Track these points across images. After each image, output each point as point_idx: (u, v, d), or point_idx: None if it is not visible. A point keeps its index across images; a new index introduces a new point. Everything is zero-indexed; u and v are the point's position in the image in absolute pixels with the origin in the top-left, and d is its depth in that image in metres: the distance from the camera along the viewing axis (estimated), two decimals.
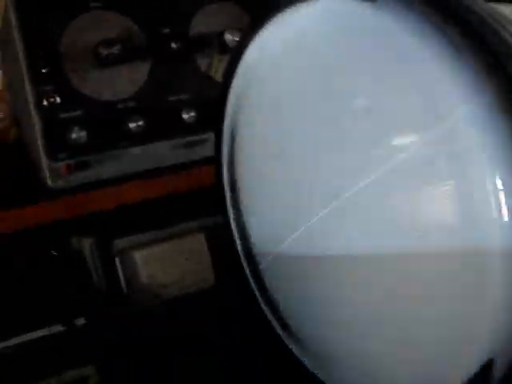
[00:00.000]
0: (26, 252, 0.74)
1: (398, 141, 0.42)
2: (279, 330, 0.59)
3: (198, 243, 0.78)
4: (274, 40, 0.49)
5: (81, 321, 0.75)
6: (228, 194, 0.60)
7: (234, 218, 0.61)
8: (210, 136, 0.75)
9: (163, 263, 0.76)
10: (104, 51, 0.71)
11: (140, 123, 0.71)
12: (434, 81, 0.38)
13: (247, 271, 0.62)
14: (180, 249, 0.77)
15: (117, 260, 0.75)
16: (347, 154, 0.44)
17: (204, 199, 0.76)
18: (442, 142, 0.38)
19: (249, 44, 0.51)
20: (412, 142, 0.40)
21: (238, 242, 0.62)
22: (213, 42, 0.80)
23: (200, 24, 0.79)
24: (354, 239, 0.44)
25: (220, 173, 0.60)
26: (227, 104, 0.56)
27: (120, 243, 0.75)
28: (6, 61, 0.85)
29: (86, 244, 0.75)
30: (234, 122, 0.56)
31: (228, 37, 0.79)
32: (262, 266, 0.58)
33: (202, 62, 0.78)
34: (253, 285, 0.61)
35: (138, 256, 0.75)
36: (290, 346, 0.58)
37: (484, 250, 0.36)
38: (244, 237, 0.60)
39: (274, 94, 0.50)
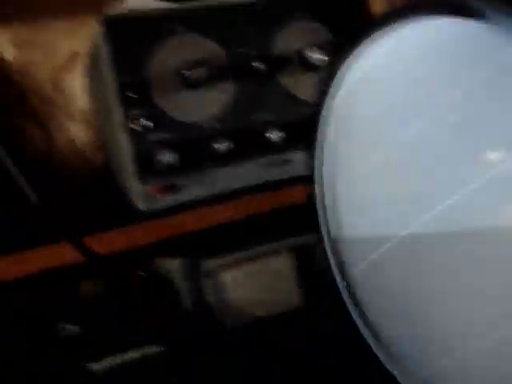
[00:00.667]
0: (116, 274, 0.75)
1: (493, 155, 0.41)
2: (374, 346, 0.58)
3: (284, 263, 0.78)
4: (373, 57, 0.49)
5: (168, 342, 0.76)
6: (322, 211, 0.60)
7: (327, 234, 0.60)
8: (295, 155, 0.75)
9: (250, 283, 0.76)
10: (190, 74, 0.71)
11: (227, 145, 0.72)
12: None
13: (340, 286, 0.61)
14: (267, 269, 0.77)
15: (204, 281, 0.75)
16: (442, 166, 0.43)
17: (290, 218, 0.76)
18: None
19: (344, 62, 0.51)
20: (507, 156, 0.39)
21: (331, 257, 0.61)
22: (294, 60, 0.79)
23: (281, 42, 0.79)
24: (454, 250, 0.43)
25: (314, 190, 0.60)
26: (321, 121, 0.56)
27: (207, 264, 0.75)
28: (93, 86, 0.87)
29: (174, 265, 0.76)
30: (333, 137, 0.56)
31: (309, 54, 0.78)
32: (353, 280, 0.58)
33: (285, 81, 0.78)
34: (346, 299, 0.60)
35: (226, 276, 0.75)
36: (384, 362, 0.57)
37: None
38: (337, 252, 0.60)
39: (376, 109, 0.49)
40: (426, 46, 0.45)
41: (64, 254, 0.68)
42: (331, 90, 0.54)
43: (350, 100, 0.53)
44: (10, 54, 0.92)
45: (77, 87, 0.95)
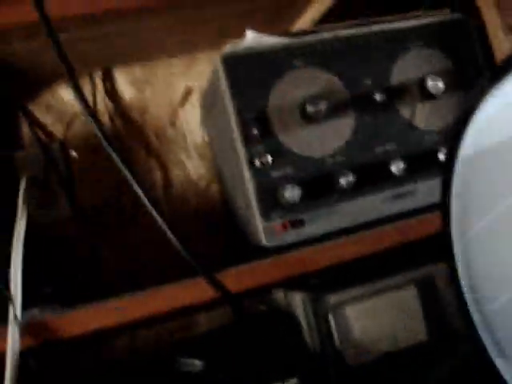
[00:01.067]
0: (241, 308, 0.75)
1: None
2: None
3: (409, 297, 0.76)
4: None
5: (295, 377, 0.75)
6: (458, 241, 0.58)
7: (461, 264, 0.58)
8: (419, 186, 0.74)
9: (375, 318, 0.75)
10: (311, 108, 0.71)
11: (350, 178, 0.71)
12: None
13: (474, 316, 0.59)
14: (392, 303, 0.75)
15: (329, 315, 0.74)
16: None
17: (415, 251, 0.74)
18: None
19: (486, 98, 0.49)
20: None
21: (465, 287, 0.59)
22: (413, 89, 0.78)
23: (399, 71, 0.78)
24: None
25: (447, 221, 0.58)
26: (458, 154, 0.54)
27: (332, 298, 0.74)
28: (210, 122, 0.89)
29: (298, 299, 0.75)
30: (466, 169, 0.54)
31: (429, 83, 0.77)
32: (491, 309, 0.55)
33: (404, 110, 0.77)
34: (480, 330, 0.58)
35: (350, 311, 0.74)
36: None
37: None
38: (471, 282, 0.58)
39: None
40: None
41: (192, 290, 0.68)
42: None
43: (481, 138, 0.51)
44: (128, 93, 0.95)
45: (192, 122, 0.97)
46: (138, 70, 0.96)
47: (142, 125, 0.95)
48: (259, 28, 0.89)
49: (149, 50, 0.93)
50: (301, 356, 0.76)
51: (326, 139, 0.73)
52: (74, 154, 0.92)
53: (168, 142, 0.96)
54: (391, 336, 0.76)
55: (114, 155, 0.61)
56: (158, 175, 0.95)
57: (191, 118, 0.97)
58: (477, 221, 0.55)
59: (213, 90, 0.79)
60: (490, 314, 0.56)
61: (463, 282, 0.60)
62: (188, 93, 0.97)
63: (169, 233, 0.60)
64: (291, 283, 0.76)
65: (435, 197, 0.73)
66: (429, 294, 0.77)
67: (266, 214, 0.70)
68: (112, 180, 0.91)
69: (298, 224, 0.70)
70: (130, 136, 0.94)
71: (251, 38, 0.74)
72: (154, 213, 0.59)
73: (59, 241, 0.87)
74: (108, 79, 0.95)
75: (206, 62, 0.98)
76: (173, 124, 0.96)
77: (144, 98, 0.96)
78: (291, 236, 0.71)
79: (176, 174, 0.96)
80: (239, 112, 0.71)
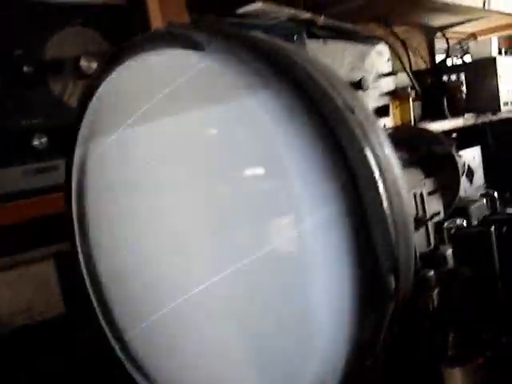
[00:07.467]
0: None
1: None
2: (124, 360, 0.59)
3: (46, 271, 0.77)
4: (126, 77, 0.50)
5: None
6: (76, 225, 0.60)
7: (81, 249, 0.60)
8: (62, 163, 0.75)
9: (10, 291, 0.74)
10: None
11: None
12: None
13: (94, 301, 0.61)
14: (28, 276, 0.75)
15: None
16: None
17: (53, 226, 0.75)
18: None
19: (105, 77, 0.52)
20: None
21: (85, 271, 0.61)
22: (68, 67, 0.79)
23: (55, 47, 0.78)
24: None
25: (69, 202, 0.59)
26: (79, 133, 0.56)
27: None
28: None
29: None
30: (85, 151, 0.56)
31: (83, 63, 0.78)
32: (110, 300, 0.58)
33: (56, 87, 0.77)
34: (100, 316, 0.61)
35: None
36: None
37: None
38: (91, 267, 0.60)
39: (124, 134, 0.50)
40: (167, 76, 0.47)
41: None
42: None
43: (98, 114, 0.54)
44: None
45: None
46: None
47: None
48: None
49: None
50: None
51: None
52: None
53: None
54: (27, 310, 0.76)
55: None
56: None
57: None
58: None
59: None
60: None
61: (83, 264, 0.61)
62: None
63: None
64: None
65: None
66: (67, 268, 0.78)
67: None
68: None
69: None
70: None
71: None
72: None
73: None
74: None
75: None
76: None
77: None
78: None
79: None
80: None
